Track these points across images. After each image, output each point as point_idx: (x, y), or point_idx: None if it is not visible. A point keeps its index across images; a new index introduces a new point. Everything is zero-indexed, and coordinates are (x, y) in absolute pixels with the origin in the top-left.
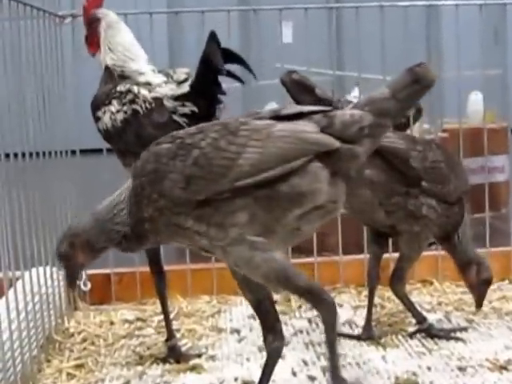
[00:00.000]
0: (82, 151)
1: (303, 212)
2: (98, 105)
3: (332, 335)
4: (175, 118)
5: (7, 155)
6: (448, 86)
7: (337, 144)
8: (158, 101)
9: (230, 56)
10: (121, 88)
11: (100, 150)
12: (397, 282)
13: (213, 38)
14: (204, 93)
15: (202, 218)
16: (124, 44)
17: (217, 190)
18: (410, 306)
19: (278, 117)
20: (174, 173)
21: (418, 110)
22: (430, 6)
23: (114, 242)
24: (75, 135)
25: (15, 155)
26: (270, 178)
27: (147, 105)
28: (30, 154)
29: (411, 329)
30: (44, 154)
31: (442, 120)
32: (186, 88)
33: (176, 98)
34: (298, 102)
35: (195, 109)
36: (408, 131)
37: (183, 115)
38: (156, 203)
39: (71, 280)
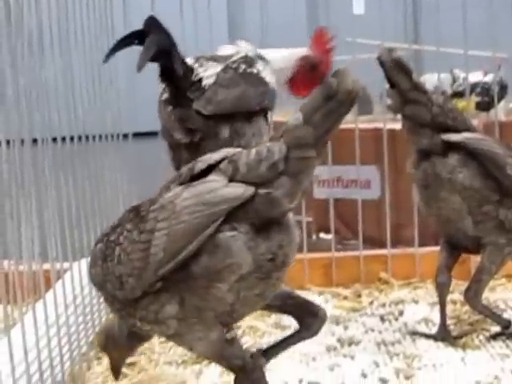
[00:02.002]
0: (135, 134)
1: (232, 284)
2: None
3: None
4: None
5: (54, 139)
6: None
7: (247, 192)
8: None
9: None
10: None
11: (155, 133)
12: (473, 296)
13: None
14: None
15: (143, 318)
16: None
17: (146, 284)
18: (490, 315)
19: (193, 177)
20: (109, 275)
21: (503, 87)
22: None
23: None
24: (127, 117)
25: (63, 139)
26: (182, 259)
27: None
28: (79, 138)
29: (494, 328)
30: (94, 137)
31: None
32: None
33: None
34: (392, 85)
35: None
36: (492, 111)
37: None
38: (112, 306)
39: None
